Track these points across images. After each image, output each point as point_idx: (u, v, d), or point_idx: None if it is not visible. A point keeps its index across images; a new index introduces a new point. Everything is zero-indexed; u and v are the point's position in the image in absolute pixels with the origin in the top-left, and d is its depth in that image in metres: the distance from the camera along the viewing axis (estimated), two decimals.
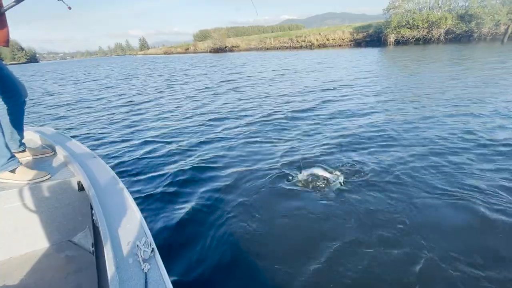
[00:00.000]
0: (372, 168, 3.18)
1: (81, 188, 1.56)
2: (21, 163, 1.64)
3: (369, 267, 1.87)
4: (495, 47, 19.53)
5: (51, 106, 9.05)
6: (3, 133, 1.56)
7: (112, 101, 9.30)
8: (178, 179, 3.35)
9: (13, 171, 1.57)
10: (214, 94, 9.13)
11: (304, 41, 46.98)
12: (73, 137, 2.60)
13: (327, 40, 43.82)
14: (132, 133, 5.46)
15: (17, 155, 1.75)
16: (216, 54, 52.21)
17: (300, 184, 2.96)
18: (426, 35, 30.83)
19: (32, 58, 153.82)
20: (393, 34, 32.61)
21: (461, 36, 28.79)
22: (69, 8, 1.87)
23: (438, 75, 9.50)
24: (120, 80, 16.20)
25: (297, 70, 14.12)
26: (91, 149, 2.01)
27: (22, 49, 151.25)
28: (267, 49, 52.49)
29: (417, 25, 30.79)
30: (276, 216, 2.51)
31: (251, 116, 6.02)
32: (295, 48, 47.07)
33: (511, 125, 4.30)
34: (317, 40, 45.10)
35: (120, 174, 3.43)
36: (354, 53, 23.88)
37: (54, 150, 2.04)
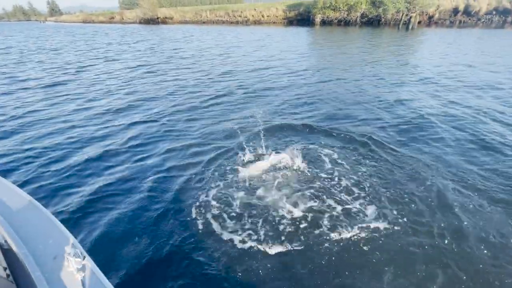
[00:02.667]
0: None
1: None
2: None
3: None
4: (393, 32, 23.59)
5: None
6: None
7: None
8: (100, 180, 3.28)
9: None
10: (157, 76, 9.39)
11: (240, 16, 46.92)
12: None
13: (262, 16, 44.73)
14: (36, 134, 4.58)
15: None
16: (148, 25, 48.07)
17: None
18: (346, 17, 34.46)
19: None
20: (319, 15, 35.40)
21: (373, 20, 33.20)
22: None
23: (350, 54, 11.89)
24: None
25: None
26: None
27: None
28: (203, 22, 50.64)
29: (339, 8, 34.06)
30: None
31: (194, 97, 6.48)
32: (231, 23, 46.72)
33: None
34: (252, 16, 45.60)
35: (28, 189, 3.08)
36: (287, 32, 25.73)
37: None
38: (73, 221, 2.63)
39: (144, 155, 3.85)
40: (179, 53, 13.60)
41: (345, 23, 34.63)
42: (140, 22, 54.89)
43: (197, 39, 20.59)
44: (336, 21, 34.99)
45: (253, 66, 10.08)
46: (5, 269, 1.45)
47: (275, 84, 7.56)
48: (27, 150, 4.07)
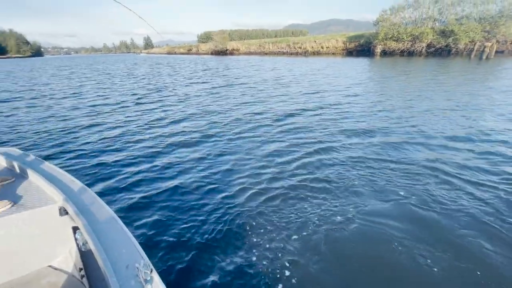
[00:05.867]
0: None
1: (63, 213, 1.53)
2: None
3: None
4: (464, 63, 21.67)
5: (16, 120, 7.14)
6: None
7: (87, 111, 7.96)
8: (168, 195, 3.22)
9: None
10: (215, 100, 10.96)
11: (300, 47, 49.29)
12: (40, 156, 2.65)
13: (322, 48, 46.11)
14: (110, 147, 4.87)
15: None
16: (218, 56, 54.42)
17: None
18: (410, 47, 33.04)
19: (37, 52, 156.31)
20: (380, 45, 34.83)
21: (441, 50, 30.98)
22: None
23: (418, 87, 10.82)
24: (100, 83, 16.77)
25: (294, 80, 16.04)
26: (64, 170, 1.97)
27: (27, 42, 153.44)
28: (266, 53, 54.74)
29: (402, 38, 33.02)
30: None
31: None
32: (291, 54, 49.32)
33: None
34: (312, 47, 47.36)
35: (102, 196, 3.13)
36: (346, 62, 25.88)
37: (25, 174, 1.95)
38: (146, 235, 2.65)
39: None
40: (240, 77, 15.40)
41: (409, 53, 33.14)
42: (211, 53, 62.50)
43: (252, 66, 22.65)
44: (399, 51, 33.82)
45: (306, 91, 10.50)
46: (80, 269, 1.54)
47: (333, 112, 7.25)
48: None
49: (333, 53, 44.09)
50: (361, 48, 39.90)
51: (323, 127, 5.89)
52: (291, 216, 2.85)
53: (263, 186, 3.43)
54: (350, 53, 41.41)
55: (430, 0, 33.08)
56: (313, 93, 10.20)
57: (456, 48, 29.67)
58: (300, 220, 2.78)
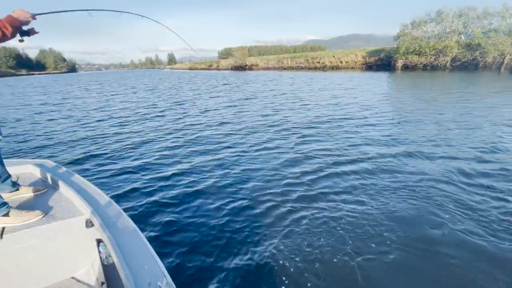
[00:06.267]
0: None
1: (89, 225, 1.55)
2: (10, 207, 1.61)
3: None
4: (493, 76, 20.69)
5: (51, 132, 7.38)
6: None
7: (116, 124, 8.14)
8: (193, 213, 3.13)
9: (6, 214, 1.56)
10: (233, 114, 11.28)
11: (318, 62, 49.59)
12: (72, 168, 2.75)
13: (340, 62, 46.10)
14: (137, 162, 4.79)
15: (13, 194, 1.80)
16: (237, 71, 55.94)
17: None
18: (433, 61, 32.15)
19: (72, 68, 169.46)
20: (401, 60, 34.22)
21: (467, 64, 29.85)
22: (91, 16, 2.12)
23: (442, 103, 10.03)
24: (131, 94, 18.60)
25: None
26: (92, 183, 2.03)
27: (64, 60, 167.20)
28: (284, 68, 55.55)
29: (425, 52, 32.28)
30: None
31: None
32: (309, 69, 49.68)
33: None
34: (330, 62, 47.52)
35: (126, 210, 3.11)
36: (365, 77, 25.50)
37: (56, 185, 2.01)
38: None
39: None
40: (259, 91, 15.71)
41: (432, 67, 32.22)
42: (231, 69, 64.34)
43: (271, 81, 22.98)
44: (421, 65, 33.00)
45: (325, 104, 10.41)
46: (102, 283, 1.55)
47: (355, 126, 6.92)
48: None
49: (352, 68, 43.88)
50: (381, 63, 39.41)
51: (346, 140, 5.79)
52: (315, 230, 2.75)
53: (284, 198, 3.39)
54: (369, 67, 40.98)
55: (454, 14, 32.37)
56: (333, 106, 10.11)
57: (484, 62, 28.47)
58: (325, 236, 2.65)
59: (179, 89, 19.69)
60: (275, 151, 5.25)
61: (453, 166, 4.20)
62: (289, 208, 3.17)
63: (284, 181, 3.87)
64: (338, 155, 4.86)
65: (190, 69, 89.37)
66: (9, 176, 1.82)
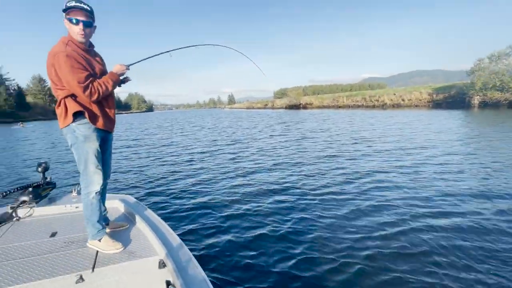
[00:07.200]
0: None
1: (161, 266, 1.60)
2: (106, 233, 1.87)
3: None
4: None
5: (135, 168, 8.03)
6: (100, 209, 1.89)
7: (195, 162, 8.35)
8: (261, 257, 3.02)
9: (100, 240, 1.81)
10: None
11: (377, 100, 47.66)
12: (147, 203, 2.91)
13: (402, 100, 43.43)
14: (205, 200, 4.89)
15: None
16: (291, 110, 57.54)
17: None
18: None
19: (150, 108, 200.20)
20: (478, 96, 30.49)
21: None
22: (171, 56, 2.43)
23: None
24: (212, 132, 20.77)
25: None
26: (162, 217, 2.15)
27: (144, 101, 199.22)
28: (339, 107, 54.87)
29: (509, 88, 28.23)
30: None
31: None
32: (367, 107, 47.96)
33: None
34: (391, 100, 45.18)
35: (194, 251, 3.07)
36: (435, 115, 23.06)
37: (135, 222, 2.17)
38: None
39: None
40: (315, 130, 15.80)
41: None
42: (285, 108, 66.60)
43: (326, 119, 22.77)
44: (506, 102, 28.68)
45: (392, 146, 9.57)
46: None
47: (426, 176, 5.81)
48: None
49: (416, 106, 40.75)
50: (453, 100, 35.71)
51: (420, 187, 5.09)
52: None
53: (358, 259, 2.98)
54: (438, 105, 37.44)
55: None
56: (404, 147, 9.21)
57: None
58: None
59: (236, 128, 21.08)
60: (340, 197, 4.76)
61: None
62: (365, 268, 2.81)
63: (356, 235, 3.36)
64: (420, 206, 4.25)
65: (248, 108, 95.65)
66: (105, 210, 2.12)
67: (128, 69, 1.95)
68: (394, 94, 46.00)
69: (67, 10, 1.69)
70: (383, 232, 3.46)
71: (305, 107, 63.00)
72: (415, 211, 4.06)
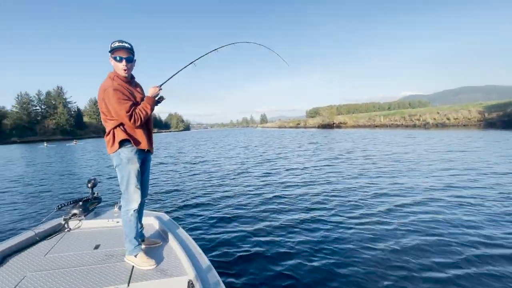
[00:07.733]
0: None
1: (190, 286, 1.64)
2: (141, 249, 1.96)
3: None
4: None
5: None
6: (137, 226, 2.01)
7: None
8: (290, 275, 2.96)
9: (136, 255, 1.90)
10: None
11: (418, 119, 44.49)
12: (182, 223, 3.05)
13: (447, 119, 39.96)
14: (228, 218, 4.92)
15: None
16: (323, 129, 56.32)
17: None
18: None
19: (187, 127, 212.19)
20: None
21: None
22: (195, 65, 2.47)
23: None
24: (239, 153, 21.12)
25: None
26: (196, 241, 2.21)
27: (182, 120, 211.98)
28: (376, 126, 52.32)
29: None
30: None
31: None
32: (407, 126, 44.98)
33: None
34: (434, 119, 41.84)
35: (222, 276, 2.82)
36: (492, 135, 20.50)
37: (168, 240, 2.25)
38: None
39: None
40: (349, 151, 15.21)
41: None
42: (318, 127, 65.48)
43: (363, 140, 21.69)
44: None
45: (443, 167, 8.61)
46: None
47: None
48: None
49: (464, 125, 37.16)
50: (509, 119, 31.96)
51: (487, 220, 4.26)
52: None
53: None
54: (490, 124, 33.73)
55: None
56: (454, 171, 8.10)
57: None
58: None
59: (268, 147, 21.13)
60: (382, 226, 4.25)
61: None
62: None
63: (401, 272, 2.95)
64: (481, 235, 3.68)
65: (279, 127, 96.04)
66: (142, 227, 2.23)
67: (161, 89, 2.11)
68: (438, 113, 42.66)
69: (112, 50, 1.94)
70: (438, 274, 2.88)
71: (338, 126, 61.32)
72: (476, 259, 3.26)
